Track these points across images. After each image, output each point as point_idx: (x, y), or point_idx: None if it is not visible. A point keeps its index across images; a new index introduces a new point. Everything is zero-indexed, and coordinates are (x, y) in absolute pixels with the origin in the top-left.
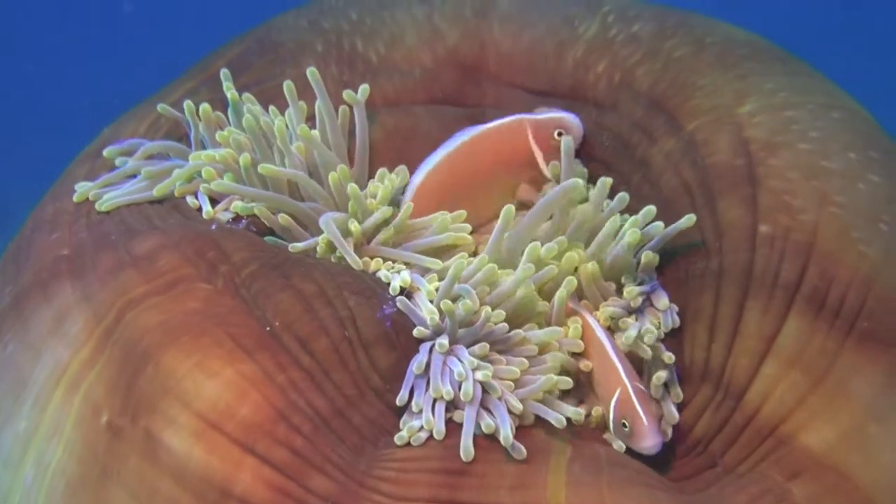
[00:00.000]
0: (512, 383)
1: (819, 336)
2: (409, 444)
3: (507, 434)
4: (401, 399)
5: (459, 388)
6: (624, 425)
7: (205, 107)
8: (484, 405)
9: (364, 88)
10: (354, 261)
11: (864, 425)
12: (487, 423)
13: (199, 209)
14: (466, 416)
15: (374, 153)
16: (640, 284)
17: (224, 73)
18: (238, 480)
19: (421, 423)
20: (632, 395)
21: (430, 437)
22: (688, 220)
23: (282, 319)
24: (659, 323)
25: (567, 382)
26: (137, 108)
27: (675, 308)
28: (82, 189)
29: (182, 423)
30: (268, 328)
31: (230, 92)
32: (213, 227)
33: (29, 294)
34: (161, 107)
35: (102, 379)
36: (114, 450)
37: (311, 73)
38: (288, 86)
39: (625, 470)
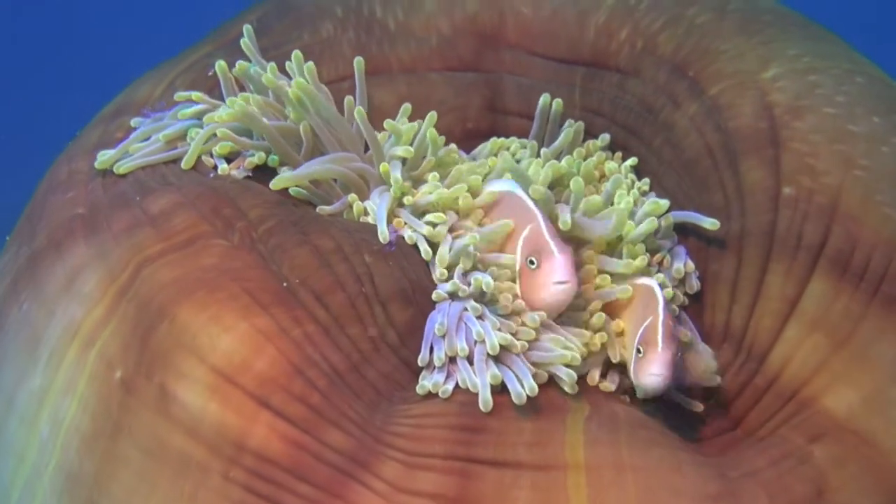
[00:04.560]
0: (527, 343)
1: (843, 299)
2: (426, 398)
3: (532, 385)
4: (422, 359)
5: (475, 345)
6: (639, 350)
7: (221, 64)
8: (502, 362)
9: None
10: (383, 233)
11: (887, 389)
12: (494, 372)
13: (215, 167)
14: (479, 369)
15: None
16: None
17: (247, 28)
18: (253, 434)
19: (443, 376)
20: (660, 325)
21: (454, 391)
22: (712, 224)
23: (298, 274)
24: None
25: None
26: (153, 72)
27: (696, 272)
28: (104, 157)
29: (197, 378)
30: (284, 283)
31: (253, 57)
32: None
33: (43, 253)
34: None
35: (117, 336)
36: (127, 406)
37: (309, 67)
38: (296, 55)
39: (644, 430)
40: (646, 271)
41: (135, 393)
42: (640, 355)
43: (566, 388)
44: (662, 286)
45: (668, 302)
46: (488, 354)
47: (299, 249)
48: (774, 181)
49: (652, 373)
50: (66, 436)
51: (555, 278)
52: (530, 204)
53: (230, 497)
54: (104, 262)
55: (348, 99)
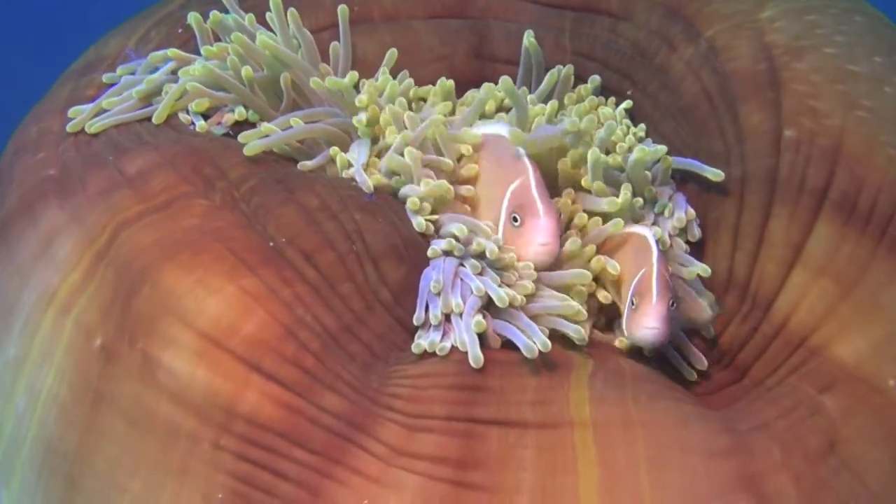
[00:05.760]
0: (524, 298)
1: (849, 243)
2: (423, 358)
3: (544, 340)
4: (418, 318)
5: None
6: (633, 303)
7: (195, 16)
8: (504, 318)
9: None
10: (365, 184)
11: None
12: (478, 320)
13: (192, 124)
14: (465, 324)
15: (372, 70)
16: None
17: None
18: (244, 399)
19: (440, 335)
20: (655, 276)
21: (452, 349)
22: (715, 175)
23: (285, 233)
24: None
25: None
26: (124, 25)
27: (697, 219)
28: (77, 117)
29: (183, 343)
30: (270, 243)
31: (230, 6)
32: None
33: (14, 217)
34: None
35: (95, 302)
36: (108, 374)
37: (292, 13)
38: (275, 2)
39: (650, 384)
40: (638, 216)
41: (116, 361)
42: (634, 307)
43: (576, 342)
44: (657, 237)
45: (662, 252)
46: (485, 311)
47: (285, 208)
48: (775, 124)
49: (646, 326)
50: (44, 408)
51: (539, 239)
52: (523, 155)
53: (222, 466)
54: (80, 225)
55: (334, 45)
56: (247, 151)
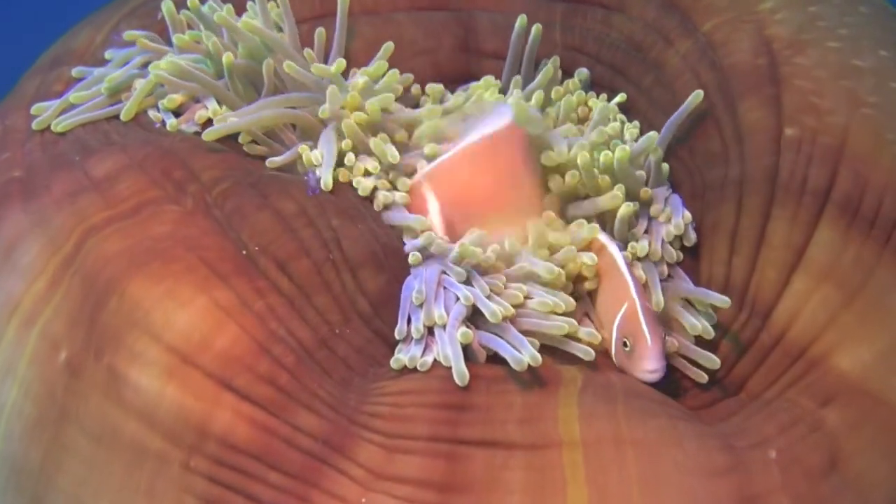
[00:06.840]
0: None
1: (853, 247)
2: (404, 374)
3: (534, 354)
4: (399, 332)
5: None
6: (625, 345)
7: (168, 5)
8: (491, 331)
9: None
10: (327, 184)
11: None
12: (464, 331)
13: (162, 122)
14: (449, 337)
15: (351, 65)
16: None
17: None
18: (216, 419)
19: (421, 349)
20: (639, 311)
21: (434, 365)
22: (695, 96)
23: (259, 241)
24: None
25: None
26: (93, 16)
27: (693, 223)
28: (43, 114)
29: (151, 359)
30: (243, 251)
31: None
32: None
33: None
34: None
35: (61, 313)
36: (73, 389)
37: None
38: None
39: (641, 399)
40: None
41: (82, 375)
42: (628, 349)
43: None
44: (627, 256)
45: (634, 272)
46: (468, 322)
47: (259, 214)
48: (776, 122)
49: (648, 370)
50: (8, 423)
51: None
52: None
53: (192, 488)
54: (45, 230)
55: (319, 32)
56: (205, 136)
